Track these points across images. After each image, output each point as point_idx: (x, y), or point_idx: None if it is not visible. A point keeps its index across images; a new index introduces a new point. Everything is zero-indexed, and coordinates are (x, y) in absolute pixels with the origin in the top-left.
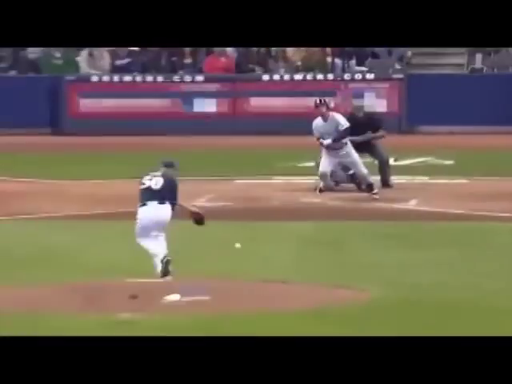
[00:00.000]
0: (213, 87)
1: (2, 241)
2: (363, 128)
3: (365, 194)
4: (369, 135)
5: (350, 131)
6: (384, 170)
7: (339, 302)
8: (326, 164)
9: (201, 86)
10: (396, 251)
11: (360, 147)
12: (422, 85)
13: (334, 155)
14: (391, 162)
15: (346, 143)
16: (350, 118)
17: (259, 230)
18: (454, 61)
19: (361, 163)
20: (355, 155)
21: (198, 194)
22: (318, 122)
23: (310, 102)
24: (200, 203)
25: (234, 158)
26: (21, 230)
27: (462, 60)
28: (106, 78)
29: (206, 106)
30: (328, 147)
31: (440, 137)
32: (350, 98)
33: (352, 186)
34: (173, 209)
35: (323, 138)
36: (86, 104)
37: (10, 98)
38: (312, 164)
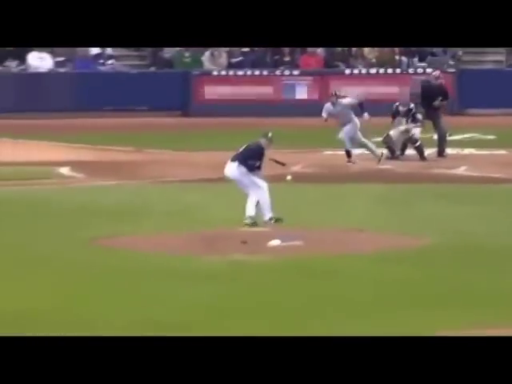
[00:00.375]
0: (306, 79)
1: (145, 199)
2: (436, 93)
3: (424, 163)
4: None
5: (425, 96)
6: (441, 142)
7: (406, 246)
8: (396, 133)
9: (296, 78)
10: (451, 207)
11: (429, 114)
12: (470, 77)
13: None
14: (447, 136)
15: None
16: (425, 83)
17: (341, 190)
18: (495, 58)
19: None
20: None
21: (295, 162)
22: (327, 105)
23: (381, 90)
24: (296, 169)
25: (322, 134)
26: (159, 190)
27: (502, 57)
28: (223, 72)
29: (301, 93)
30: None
31: (484, 117)
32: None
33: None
34: (247, 167)
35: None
36: (209, 92)
37: (150, 88)
38: (379, 138)
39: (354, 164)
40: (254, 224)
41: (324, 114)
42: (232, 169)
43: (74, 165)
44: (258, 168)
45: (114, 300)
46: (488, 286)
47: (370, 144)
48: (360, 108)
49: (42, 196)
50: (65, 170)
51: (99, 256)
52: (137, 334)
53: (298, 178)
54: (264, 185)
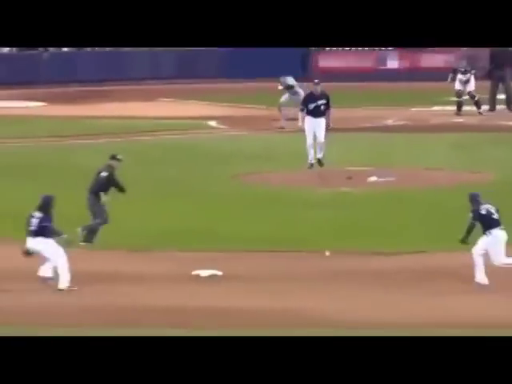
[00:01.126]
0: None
1: (273, 145)
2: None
3: (486, 116)
4: None
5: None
6: (509, 100)
7: (474, 181)
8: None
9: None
10: (509, 151)
11: (499, 78)
12: None
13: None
14: None
15: None
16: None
17: (424, 138)
18: None
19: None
20: None
21: (388, 117)
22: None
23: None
24: (388, 122)
25: (410, 95)
26: (284, 139)
27: None
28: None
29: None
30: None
31: None
32: None
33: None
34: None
35: None
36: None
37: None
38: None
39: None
40: (312, 166)
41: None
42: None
43: (220, 119)
44: None
45: (247, 221)
46: None
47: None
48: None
49: (196, 143)
50: (213, 123)
51: (238, 188)
52: (263, 248)
53: (390, 129)
54: None
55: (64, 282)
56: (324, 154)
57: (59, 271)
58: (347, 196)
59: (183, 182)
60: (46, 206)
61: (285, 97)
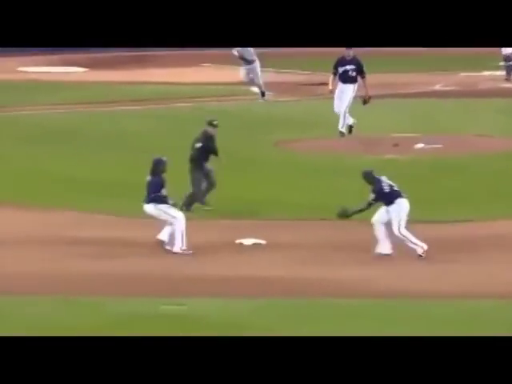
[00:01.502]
0: None
1: (317, 112)
2: None
3: None
4: None
5: None
6: None
7: None
8: None
9: None
10: None
11: None
12: None
13: None
14: None
15: None
16: None
17: (473, 104)
18: None
19: None
20: None
21: (436, 82)
22: None
23: None
24: (436, 88)
25: (458, 59)
26: (327, 105)
27: None
28: None
29: None
30: None
31: None
32: None
33: None
34: None
35: None
36: None
37: None
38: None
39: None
40: (342, 135)
41: None
42: None
43: (264, 85)
44: None
45: (290, 189)
46: None
47: None
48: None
49: (238, 109)
50: (256, 89)
51: (281, 156)
52: (308, 217)
53: (438, 95)
54: None
55: (178, 245)
56: (348, 123)
57: (175, 235)
58: (393, 163)
59: (224, 149)
60: (155, 170)
61: (242, 72)
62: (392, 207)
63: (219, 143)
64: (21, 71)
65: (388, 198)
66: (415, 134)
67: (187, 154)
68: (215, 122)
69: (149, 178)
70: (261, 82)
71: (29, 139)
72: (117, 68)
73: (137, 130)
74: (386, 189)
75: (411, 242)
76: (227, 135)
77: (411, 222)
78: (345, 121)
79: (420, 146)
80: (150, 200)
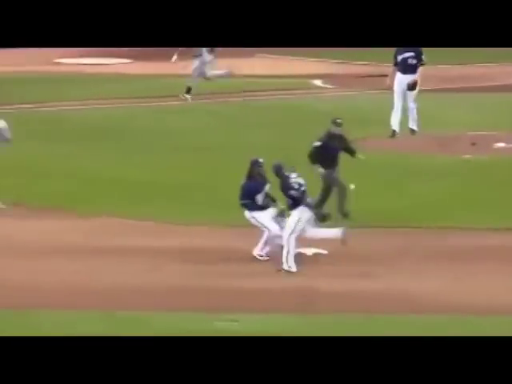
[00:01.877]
0: None
1: (380, 106)
2: None
3: None
4: None
5: None
6: None
7: None
8: None
9: None
10: None
11: None
12: None
13: None
14: None
15: None
16: None
17: None
18: None
19: None
20: None
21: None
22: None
23: None
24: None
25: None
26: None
27: None
28: None
29: None
30: None
31: None
32: None
33: None
34: None
35: None
36: None
37: None
38: None
39: None
40: (393, 135)
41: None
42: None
43: (326, 77)
44: None
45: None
46: None
47: None
48: None
49: (298, 104)
50: (318, 82)
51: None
52: (376, 224)
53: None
54: None
55: (258, 249)
56: (418, 124)
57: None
58: (471, 164)
59: (275, 147)
60: (251, 172)
61: (194, 66)
62: (294, 212)
63: (271, 140)
64: (58, 63)
65: (293, 200)
66: (495, 132)
67: (244, 152)
68: (339, 121)
69: (243, 181)
70: (209, 75)
71: (68, 137)
72: (162, 60)
73: (187, 127)
74: (293, 190)
75: (287, 253)
76: (281, 131)
77: (492, 230)
78: (413, 116)
79: (500, 145)
80: (242, 206)
